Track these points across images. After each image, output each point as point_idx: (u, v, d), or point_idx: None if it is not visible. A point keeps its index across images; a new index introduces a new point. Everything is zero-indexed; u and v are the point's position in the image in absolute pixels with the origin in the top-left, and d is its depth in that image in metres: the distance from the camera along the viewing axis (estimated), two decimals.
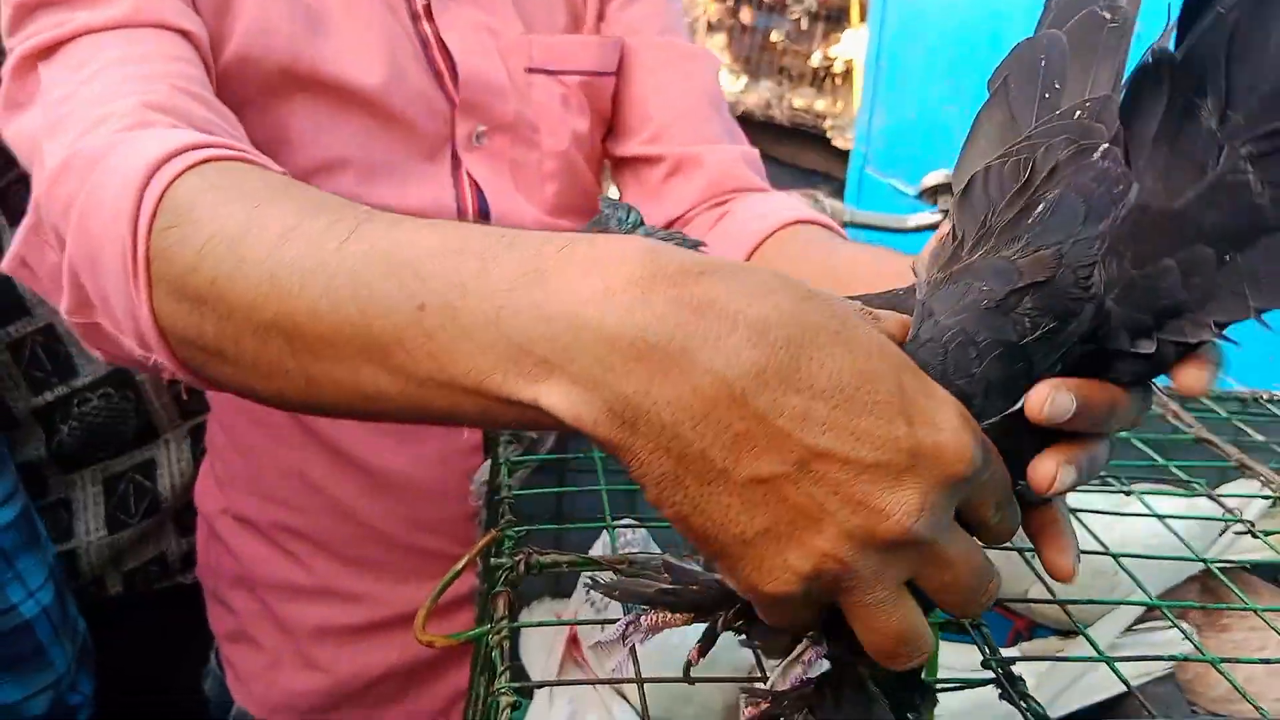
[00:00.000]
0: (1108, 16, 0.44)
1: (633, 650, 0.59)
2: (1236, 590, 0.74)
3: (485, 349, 0.40)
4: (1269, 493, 0.89)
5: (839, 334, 0.37)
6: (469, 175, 0.96)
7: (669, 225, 1.02)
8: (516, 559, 0.66)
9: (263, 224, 0.51)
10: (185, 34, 0.77)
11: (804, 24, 5.06)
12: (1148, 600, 0.71)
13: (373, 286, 0.44)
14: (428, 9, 0.93)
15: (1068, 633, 1.07)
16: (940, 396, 0.38)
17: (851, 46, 4.98)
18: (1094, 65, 0.44)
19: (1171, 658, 0.71)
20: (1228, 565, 1.10)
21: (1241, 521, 0.81)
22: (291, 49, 0.85)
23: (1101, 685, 0.96)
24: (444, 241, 0.44)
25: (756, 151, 1.07)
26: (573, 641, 0.93)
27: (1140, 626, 1.03)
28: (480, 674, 0.80)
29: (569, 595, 0.98)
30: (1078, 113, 0.44)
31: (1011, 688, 0.57)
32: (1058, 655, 0.59)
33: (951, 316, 0.42)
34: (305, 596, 1.02)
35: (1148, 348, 0.41)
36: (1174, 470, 0.89)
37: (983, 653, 0.60)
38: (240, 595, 1.05)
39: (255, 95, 0.86)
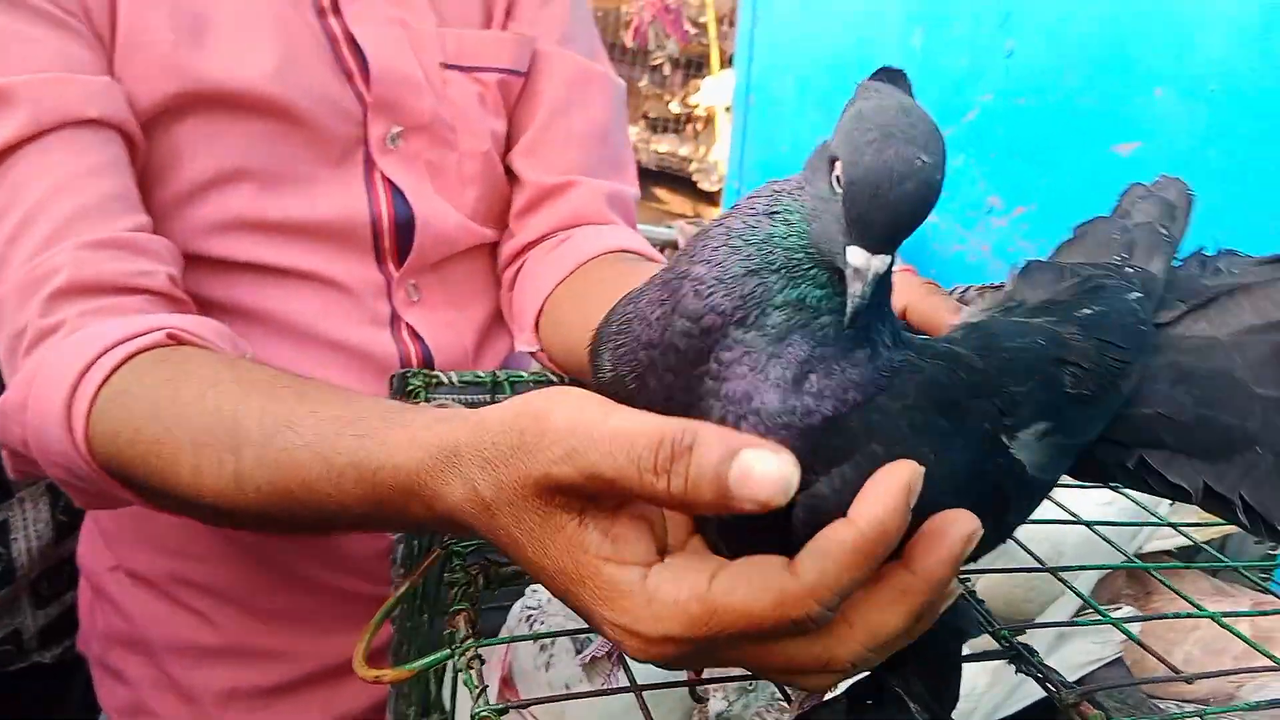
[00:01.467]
0: (1163, 231, 0.57)
1: (621, 660, 0.53)
2: (1172, 586, 0.73)
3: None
4: None
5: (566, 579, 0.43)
6: (385, 179, 0.90)
7: (521, 249, 0.99)
8: (474, 572, 0.59)
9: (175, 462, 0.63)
10: (93, 122, 0.75)
11: (666, 70, 5.16)
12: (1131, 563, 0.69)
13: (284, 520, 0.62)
14: (334, 3, 0.87)
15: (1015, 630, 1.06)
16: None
17: (712, 93, 5.09)
18: (1150, 254, 0.55)
19: (1192, 614, 0.68)
20: (1154, 555, 1.12)
21: (1163, 523, 0.80)
22: (173, 59, 0.79)
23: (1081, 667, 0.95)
24: (327, 473, 0.55)
25: (630, 190, 1.04)
26: (505, 683, 0.85)
27: (1082, 616, 1.02)
28: (419, 716, 0.72)
29: (495, 633, 0.90)
30: (1126, 268, 0.54)
31: (1029, 657, 0.54)
32: (1068, 622, 0.56)
33: (1008, 342, 0.48)
34: (212, 657, 0.91)
35: (1130, 460, 0.50)
36: None
37: (988, 629, 0.57)
38: (135, 662, 0.94)
39: (143, 111, 0.79)
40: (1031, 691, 0.97)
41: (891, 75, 0.48)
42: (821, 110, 2.64)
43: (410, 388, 0.89)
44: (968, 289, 0.60)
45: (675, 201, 5.24)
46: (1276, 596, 0.74)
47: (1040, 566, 0.66)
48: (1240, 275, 0.53)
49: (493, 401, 0.91)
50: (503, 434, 0.42)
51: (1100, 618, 0.62)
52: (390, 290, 0.92)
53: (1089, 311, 0.50)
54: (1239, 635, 0.61)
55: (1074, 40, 1.68)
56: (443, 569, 0.61)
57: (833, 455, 0.41)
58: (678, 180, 5.15)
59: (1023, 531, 0.92)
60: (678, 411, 0.41)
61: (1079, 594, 0.63)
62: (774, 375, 0.42)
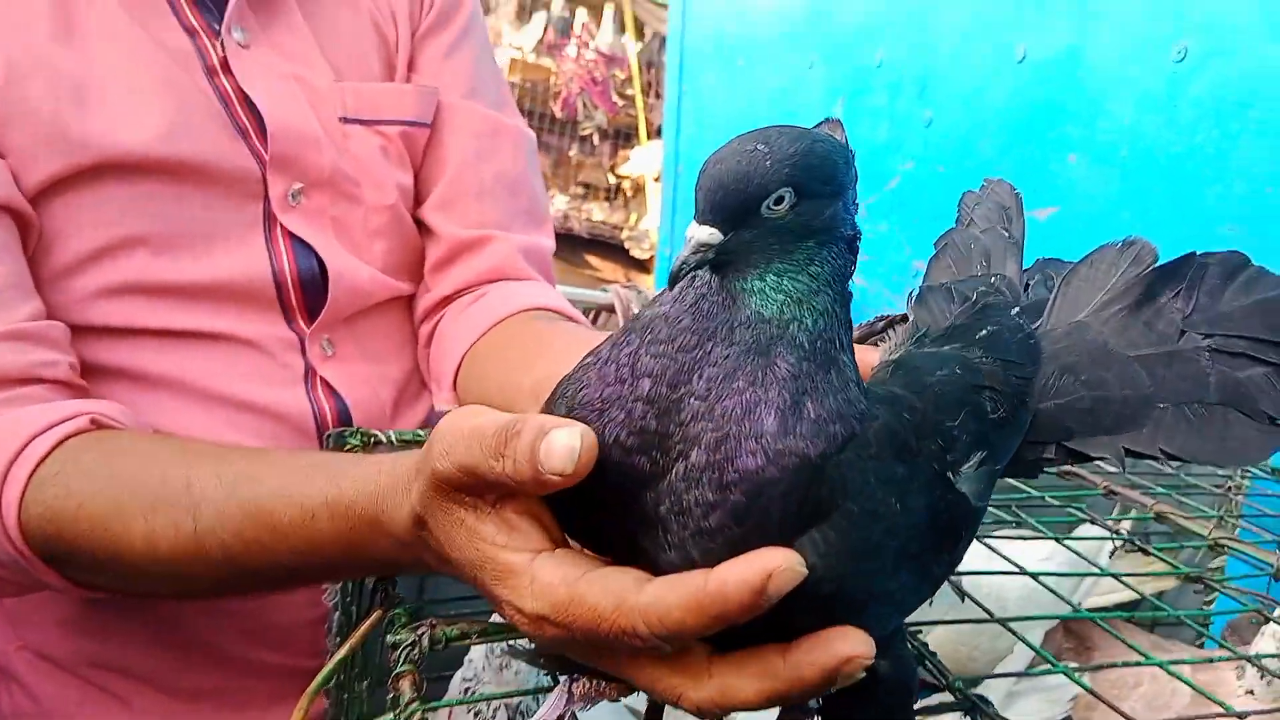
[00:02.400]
0: (1006, 234, 0.62)
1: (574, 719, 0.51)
2: (1124, 638, 0.74)
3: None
4: (1115, 538, 0.91)
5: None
6: (288, 236, 0.88)
7: (437, 304, 0.99)
8: (419, 631, 0.56)
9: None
10: None
11: (595, 140, 5.23)
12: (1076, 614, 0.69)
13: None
14: (225, 62, 0.85)
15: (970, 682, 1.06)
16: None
17: (641, 163, 5.18)
18: (1004, 259, 0.61)
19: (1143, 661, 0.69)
20: (1100, 613, 1.14)
21: (1128, 539, 0.81)
22: (56, 128, 0.77)
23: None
24: (299, 515, 0.58)
25: (546, 243, 1.04)
26: None
27: (1029, 674, 1.03)
28: None
29: (439, 696, 0.87)
30: (993, 279, 0.59)
31: (985, 709, 0.53)
32: (1022, 673, 0.56)
33: (930, 376, 0.49)
34: None
35: (1050, 451, 0.52)
36: (1016, 512, 0.90)
37: (941, 682, 0.56)
38: None
39: (30, 187, 0.77)
40: None
41: (831, 126, 0.51)
42: None
43: (347, 446, 0.87)
44: (875, 319, 0.62)
45: (607, 268, 5.28)
46: (1218, 645, 0.74)
47: (990, 617, 0.66)
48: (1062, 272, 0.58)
49: None
50: (429, 443, 0.46)
51: (1052, 668, 0.62)
52: (304, 347, 0.90)
53: (985, 333, 0.53)
54: (1186, 682, 0.61)
55: (989, 110, 1.75)
56: (382, 634, 0.59)
57: (815, 509, 0.41)
58: (610, 247, 5.20)
59: (968, 587, 0.93)
60: (649, 442, 0.42)
61: (1030, 645, 0.63)
62: (773, 395, 0.42)
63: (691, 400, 0.42)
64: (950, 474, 0.47)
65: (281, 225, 0.87)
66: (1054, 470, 1.00)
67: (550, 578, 0.43)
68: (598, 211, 5.16)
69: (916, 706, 0.57)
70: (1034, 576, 0.72)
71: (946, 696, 0.57)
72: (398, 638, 0.56)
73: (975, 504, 0.48)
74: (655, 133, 4.96)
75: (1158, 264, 0.53)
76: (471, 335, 0.92)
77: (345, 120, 0.92)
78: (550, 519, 0.46)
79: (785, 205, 0.42)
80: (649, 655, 0.43)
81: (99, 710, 0.86)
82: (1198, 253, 0.53)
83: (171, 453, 0.68)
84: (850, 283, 0.46)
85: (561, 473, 0.41)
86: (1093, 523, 0.87)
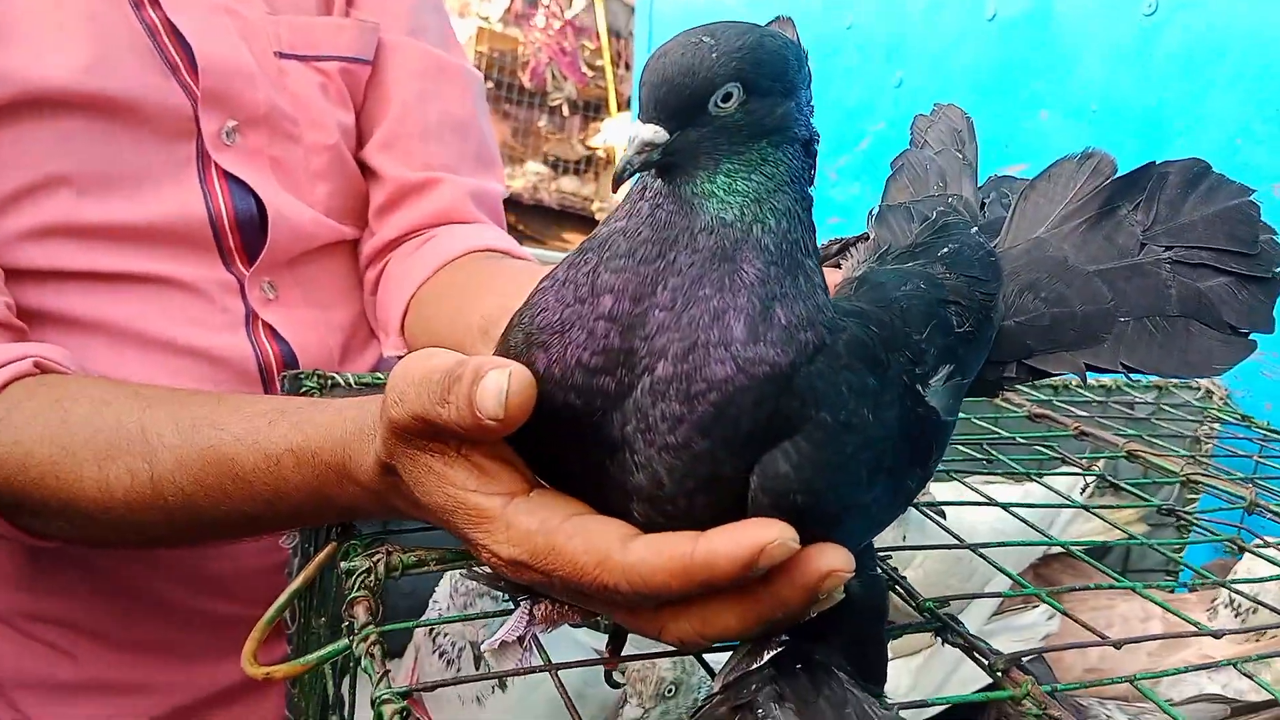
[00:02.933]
0: (960, 157, 0.62)
1: (535, 643, 0.50)
2: (1100, 565, 0.73)
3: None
4: (1090, 476, 0.91)
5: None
6: (223, 176, 0.84)
7: (382, 249, 0.96)
8: (375, 558, 0.55)
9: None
10: None
11: (565, 112, 5.18)
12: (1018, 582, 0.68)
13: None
14: None
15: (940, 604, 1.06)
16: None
17: (611, 134, 5.14)
18: (960, 179, 0.60)
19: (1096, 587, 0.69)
20: (1073, 547, 1.14)
21: (1102, 476, 0.81)
22: None
23: (974, 677, 0.95)
24: (263, 462, 0.58)
25: (496, 187, 1.01)
26: (411, 700, 0.81)
27: (1002, 613, 1.03)
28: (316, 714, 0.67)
29: (400, 654, 0.85)
30: (950, 198, 0.58)
31: (955, 628, 0.52)
32: (995, 594, 0.55)
33: (896, 291, 0.48)
34: (70, 693, 0.84)
35: (1010, 370, 0.52)
36: (1019, 439, 0.90)
37: (910, 603, 0.55)
38: None
39: None
40: (960, 687, 0.96)
41: (782, 23, 0.50)
42: None
43: (304, 389, 0.85)
44: (829, 243, 0.60)
45: (579, 240, 5.26)
46: (1189, 590, 0.74)
47: (961, 543, 0.65)
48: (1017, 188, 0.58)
49: None
50: (386, 389, 0.45)
51: (1027, 590, 0.61)
52: (244, 290, 0.87)
53: (947, 250, 0.51)
54: (1158, 603, 0.60)
55: (960, 69, 1.74)
56: (337, 566, 0.57)
57: (786, 421, 0.40)
58: (581, 219, 5.16)
59: (942, 526, 0.92)
60: (614, 360, 0.40)
61: (1006, 572, 0.63)
62: (741, 301, 0.40)
63: (656, 312, 0.40)
64: (920, 387, 0.46)
65: (216, 165, 0.84)
66: (1025, 414, 1.01)
67: (527, 524, 0.42)
68: (568, 183, 5.13)
69: (895, 627, 0.56)
70: (1006, 508, 0.71)
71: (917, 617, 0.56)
72: (352, 564, 0.54)
73: (945, 418, 0.47)
74: (625, 104, 4.92)
75: (1116, 175, 0.53)
76: (418, 278, 0.90)
77: (281, 55, 0.88)
78: (521, 462, 0.44)
79: (734, 102, 0.40)
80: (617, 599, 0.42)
81: (41, 664, 0.84)
82: (1156, 162, 0.52)
83: (124, 397, 0.66)
84: (810, 188, 0.44)
85: (494, 417, 0.40)
86: (1064, 461, 0.86)
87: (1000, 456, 0.83)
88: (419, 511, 0.47)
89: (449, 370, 0.41)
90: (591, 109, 5.24)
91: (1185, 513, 0.78)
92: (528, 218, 5.08)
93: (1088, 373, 0.51)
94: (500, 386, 0.39)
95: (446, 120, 0.96)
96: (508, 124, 5.15)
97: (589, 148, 5.28)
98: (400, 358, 0.91)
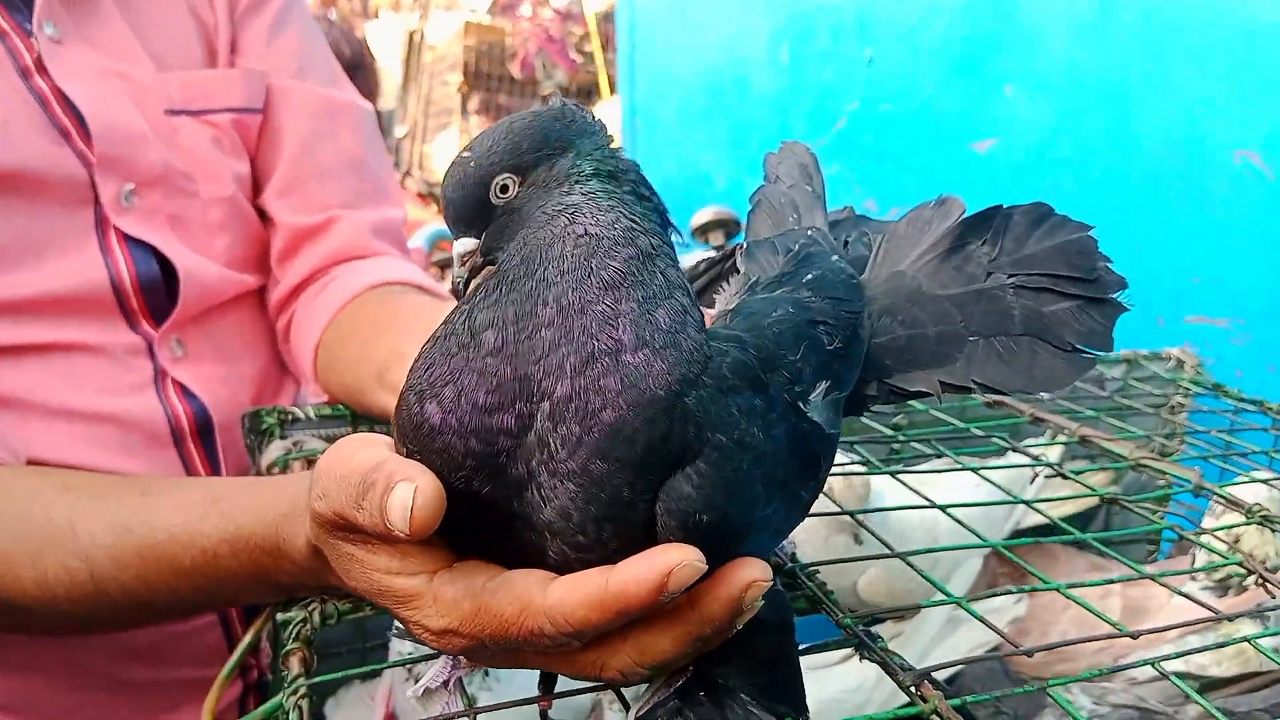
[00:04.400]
0: (810, 190, 0.65)
1: (459, 687, 0.52)
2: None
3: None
4: (1063, 439, 0.91)
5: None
6: (122, 239, 0.84)
7: (289, 295, 0.97)
8: (310, 608, 0.57)
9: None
10: None
11: (556, 100, 5.16)
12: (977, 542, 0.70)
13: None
14: (39, 62, 0.81)
15: (901, 617, 1.07)
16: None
17: (603, 118, 5.11)
18: (812, 211, 0.64)
19: (1021, 590, 0.70)
20: (1031, 526, 1.15)
21: (1050, 465, 0.82)
22: None
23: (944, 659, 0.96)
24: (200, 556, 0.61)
25: (395, 213, 1.02)
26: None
27: (971, 600, 1.04)
28: None
29: (380, 675, 0.87)
30: (809, 230, 0.61)
31: (872, 644, 0.53)
32: (912, 606, 0.56)
33: (767, 318, 0.50)
34: None
35: (872, 389, 0.55)
36: (974, 430, 0.91)
37: (834, 617, 0.57)
38: None
39: None
40: None
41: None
42: (703, 130, 2.67)
43: (264, 426, 0.86)
44: (697, 264, 0.63)
45: None
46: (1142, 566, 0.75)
47: (895, 553, 0.66)
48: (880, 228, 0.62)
49: (354, 432, 0.89)
50: (311, 481, 0.46)
51: (945, 597, 0.62)
52: (152, 350, 0.87)
53: (811, 276, 0.54)
54: (1082, 604, 0.62)
55: (928, 45, 1.74)
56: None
57: (682, 445, 0.42)
58: None
59: (899, 520, 0.93)
60: (510, 393, 0.41)
61: (932, 581, 0.64)
62: (625, 305, 0.42)
63: (543, 331, 0.42)
64: (800, 403, 0.48)
65: (116, 228, 0.84)
66: (983, 399, 1.02)
67: (453, 593, 0.43)
68: None
69: (811, 645, 0.58)
70: (944, 509, 0.72)
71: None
72: (287, 615, 0.56)
73: (829, 431, 0.50)
74: (616, 88, 4.90)
75: (965, 215, 0.56)
76: (321, 323, 0.90)
77: (172, 113, 0.88)
78: (439, 540, 0.45)
79: (513, 189, 0.46)
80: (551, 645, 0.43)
81: None
82: (1003, 206, 0.56)
83: (50, 490, 0.67)
84: (650, 210, 0.47)
85: (401, 530, 0.40)
86: (1014, 450, 0.87)
87: (947, 452, 0.84)
88: (352, 592, 0.49)
89: (365, 475, 0.42)
90: (583, 94, 5.23)
91: (1125, 500, 0.79)
92: None
93: (943, 392, 0.53)
94: (405, 503, 0.40)
95: (341, 158, 0.97)
96: (504, 115, 5.15)
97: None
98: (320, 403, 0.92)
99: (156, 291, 0.86)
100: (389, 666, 0.53)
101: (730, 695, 0.47)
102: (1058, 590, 0.63)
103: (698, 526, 0.41)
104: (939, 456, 0.83)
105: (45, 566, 0.63)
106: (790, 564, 0.62)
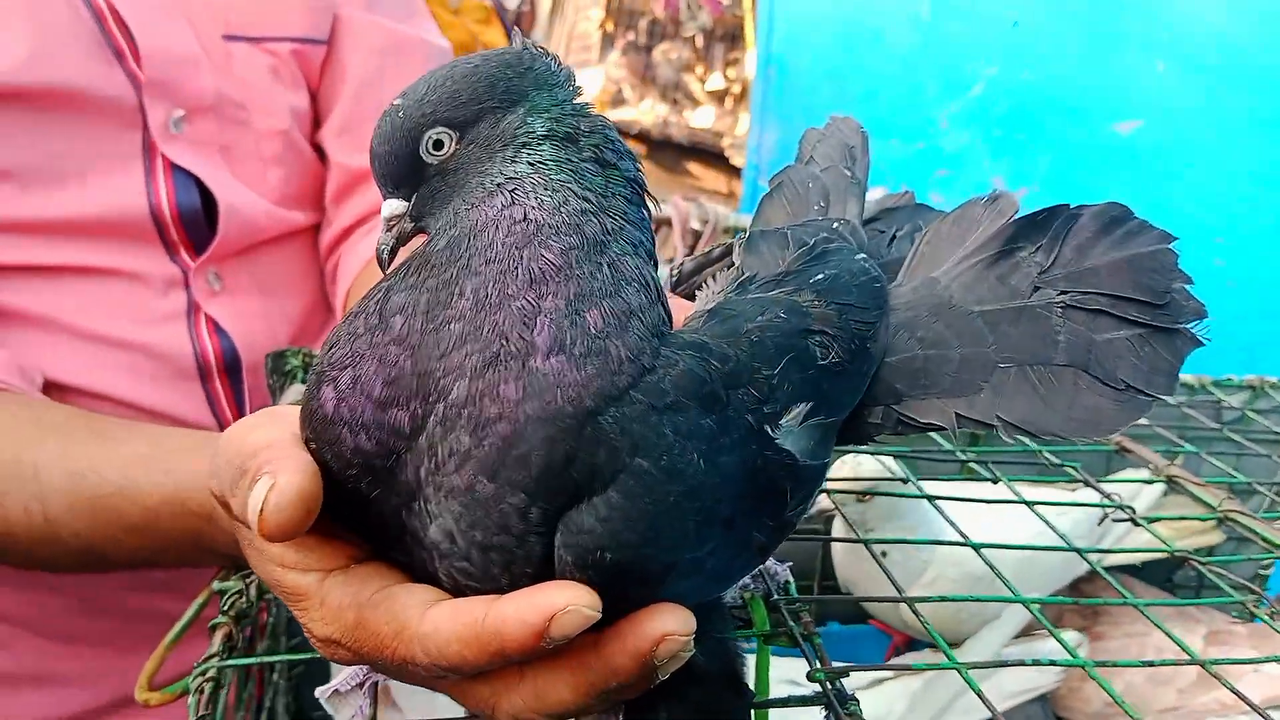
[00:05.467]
0: (849, 175, 0.58)
1: (372, 692, 0.48)
2: (1116, 585, 0.65)
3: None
4: (1152, 477, 0.80)
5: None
6: (169, 167, 0.82)
7: (339, 237, 0.93)
8: (248, 579, 0.53)
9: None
10: None
11: (699, 43, 5.04)
12: (1014, 598, 0.61)
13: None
14: None
15: (949, 645, 0.99)
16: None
17: (749, 66, 4.97)
18: (845, 200, 0.57)
19: (1021, 662, 0.62)
20: (1109, 565, 1.03)
21: (1121, 507, 0.72)
22: None
23: (975, 705, 0.88)
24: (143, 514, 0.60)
25: None
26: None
27: (1025, 638, 0.95)
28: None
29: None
30: (835, 224, 0.53)
31: (840, 705, 0.47)
32: (899, 665, 0.49)
33: (749, 323, 0.43)
34: (9, 685, 0.84)
35: (877, 416, 0.47)
36: (1047, 456, 0.81)
37: (810, 664, 0.50)
38: None
39: None
40: (961, 716, 0.90)
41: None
42: (834, 85, 2.54)
43: (288, 367, 0.84)
44: (682, 262, 0.55)
45: (709, 177, 5.14)
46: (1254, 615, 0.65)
47: (900, 597, 0.59)
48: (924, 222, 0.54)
49: None
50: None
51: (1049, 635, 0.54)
52: (188, 281, 0.84)
53: (822, 276, 0.47)
54: (1158, 625, 0.53)
55: (1077, 10, 1.58)
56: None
57: (593, 469, 0.36)
58: (712, 156, 5.03)
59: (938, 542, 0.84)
60: (407, 389, 0.37)
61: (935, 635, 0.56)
62: (549, 303, 0.37)
63: (452, 325, 0.37)
64: (768, 427, 0.41)
65: (163, 156, 0.81)
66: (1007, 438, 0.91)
67: (339, 599, 0.39)
68: (698, 118, 5.01)
69: (771, 700, 0.51)
70: (977, 549, 0.64)
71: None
72: (224, 585, 0.53)
73: (806, 461, 0.42)
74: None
75: (1019, 214, 0.47)
76: (354, 270, 0.87)
77: (229, 38, 0.85)
78: (347, 530, 0.41)
79: (448, 146, 0.40)
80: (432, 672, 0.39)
81: None
82: (1069, 205, 0.46)
83: (24, 424, 0.66)
84: (613, 183, 0.41)
85: (257, 530, 0.36)
86: (1087, 484, 0.77)
87: (1003, 478, 0.75)
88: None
89: (243, 460, 0.38)
90: (728, 40, 5.08)
91: (1197, 560, 0.68)
92: (657, 154, 5.00)
93: (959, 427, 0.45)
94: (258, 501, 0.36)
95: None
96: (642, 55, 5.06)
97: (727, 78, 5.13)
98: None
99: (197, 222, 0.84)
100: (290, 658, 0.49)
101: None
102: (1136, 607, 0.55)
103: (599, 566, 0.35)
104: (995, 483, 0.74)
105: (9, 505, 0.62)
106: (776, 596, 0.56)
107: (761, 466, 0.40)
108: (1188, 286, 0.44)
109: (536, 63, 0.41)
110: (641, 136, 4.96)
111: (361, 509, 0.39)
